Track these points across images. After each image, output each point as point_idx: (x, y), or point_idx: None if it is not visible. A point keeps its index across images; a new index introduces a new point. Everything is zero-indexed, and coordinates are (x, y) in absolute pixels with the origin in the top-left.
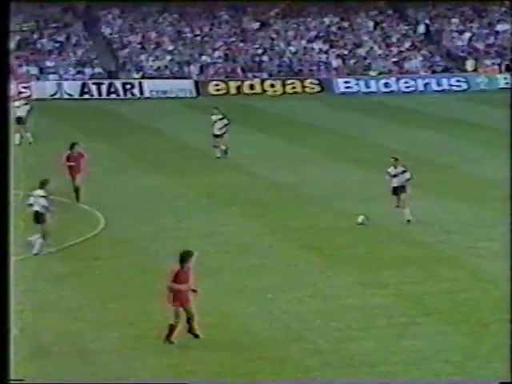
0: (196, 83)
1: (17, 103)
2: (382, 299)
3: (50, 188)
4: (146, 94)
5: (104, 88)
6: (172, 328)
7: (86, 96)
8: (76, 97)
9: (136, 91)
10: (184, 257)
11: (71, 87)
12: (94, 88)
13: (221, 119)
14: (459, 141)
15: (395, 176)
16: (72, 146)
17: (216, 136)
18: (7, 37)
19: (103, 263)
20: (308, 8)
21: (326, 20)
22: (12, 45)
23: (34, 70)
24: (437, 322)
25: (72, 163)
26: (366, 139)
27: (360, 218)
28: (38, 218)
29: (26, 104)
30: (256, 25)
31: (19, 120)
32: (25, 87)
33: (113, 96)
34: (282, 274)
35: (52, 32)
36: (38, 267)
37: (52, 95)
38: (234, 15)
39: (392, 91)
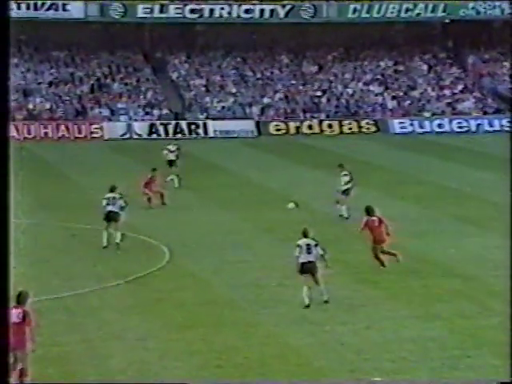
0: (257, 123)
1: (171, 147)
2: (436, 332)
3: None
4: (210, 134)
5: (171, 128)
6: None
7: (154, 136)
8: (145, 136)
9: (201, 131)
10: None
11: (140, 127)
12: (161, 128)
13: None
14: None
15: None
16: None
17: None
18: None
19: (168, 295)
20: (364, 52)
21: (382, 64)
22: (86, 88)
23: (105, 112)
24: (489, 355)
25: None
26: (421, 177)
27: (290, 205)
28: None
29: (178, 149)
30: (315, 68)
31: (170, 162)
32: (97, 128)
33: (179, 136)
34: (339, 306)
35: (123, 76)
36: (106, 298)
37: (122, 135)
38: (293, 59)
39: (445, 131)
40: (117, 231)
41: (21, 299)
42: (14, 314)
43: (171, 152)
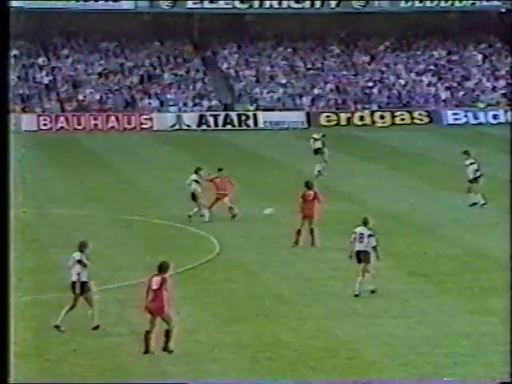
0: (308, 114)
1: (315, 135)
2: (490, 327)
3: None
4: (260, 125)
5: (220, 119)
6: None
7: (204, 127)
8: (194, 127)
9: (250, 122)
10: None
11: (190, 118)
12: (211, 119)
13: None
14: None
15: None
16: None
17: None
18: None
19: (218, 287)
20: (417, 42)
21: (435, 53)
22: (135, 79)
23: (155, 103)
24: None
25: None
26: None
27: (268, 211)
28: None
29: (323, 136)
30: (366, 58)
31: (317, 151)
32: (146, 119)
33: (228, 127)
34: (391, 299)
35: (172, 67)
36: None
37: (172, 126)
38: (344, 49)
39: (500, 123)
40: (195, 208)
41: (162, 268)
42: (155, 282)
43: (316, 140)
